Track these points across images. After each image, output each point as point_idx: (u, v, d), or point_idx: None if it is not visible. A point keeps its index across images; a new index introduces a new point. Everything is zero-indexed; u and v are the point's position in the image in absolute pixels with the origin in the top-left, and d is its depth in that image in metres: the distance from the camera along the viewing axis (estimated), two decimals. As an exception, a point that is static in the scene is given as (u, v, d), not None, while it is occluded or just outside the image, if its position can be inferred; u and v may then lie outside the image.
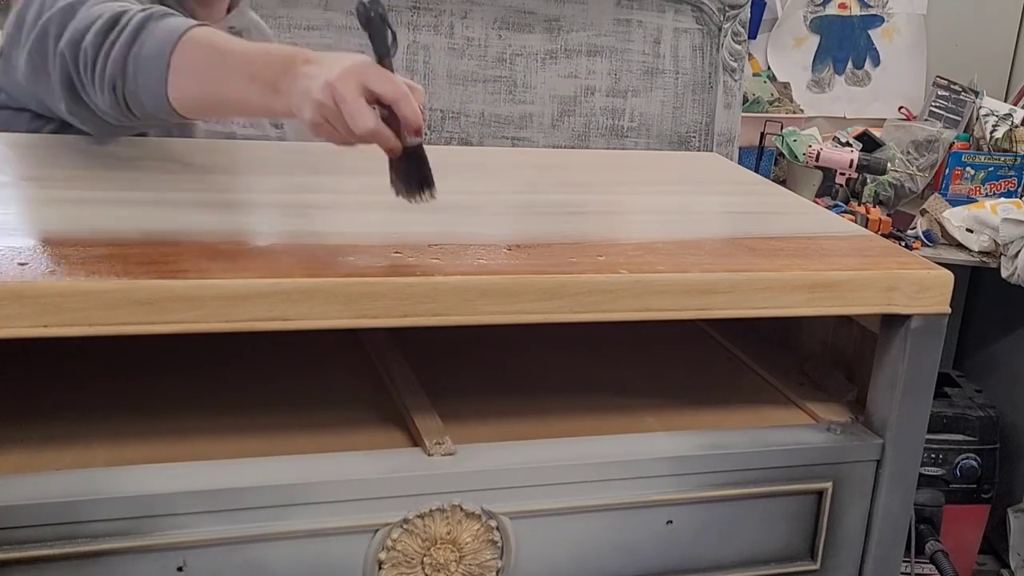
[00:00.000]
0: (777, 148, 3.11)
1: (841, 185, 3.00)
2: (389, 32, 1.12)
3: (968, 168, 3.12)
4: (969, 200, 3.06)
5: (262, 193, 1.36)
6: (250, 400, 1.19)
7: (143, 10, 1.28)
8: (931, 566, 2.69)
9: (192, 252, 1.03)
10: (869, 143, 3.16)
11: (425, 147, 1.15)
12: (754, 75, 3.26)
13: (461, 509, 1.05)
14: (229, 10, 1.68)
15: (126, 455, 1.05)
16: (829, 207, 2.83)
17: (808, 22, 3.34)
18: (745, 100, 3.03)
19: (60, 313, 0.91)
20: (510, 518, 1.07)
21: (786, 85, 3.33)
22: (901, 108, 3.42)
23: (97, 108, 1.33)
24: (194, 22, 1.27)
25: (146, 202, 1.21)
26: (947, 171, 3.13)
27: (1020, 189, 3.12)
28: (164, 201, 1.22)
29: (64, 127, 1.43)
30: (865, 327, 1.28)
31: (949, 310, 1.18)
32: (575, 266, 1.09)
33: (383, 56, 1.12)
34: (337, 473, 1.02)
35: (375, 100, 1.10)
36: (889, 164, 3.01)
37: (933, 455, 2.80)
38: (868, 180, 3.06)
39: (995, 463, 2.87)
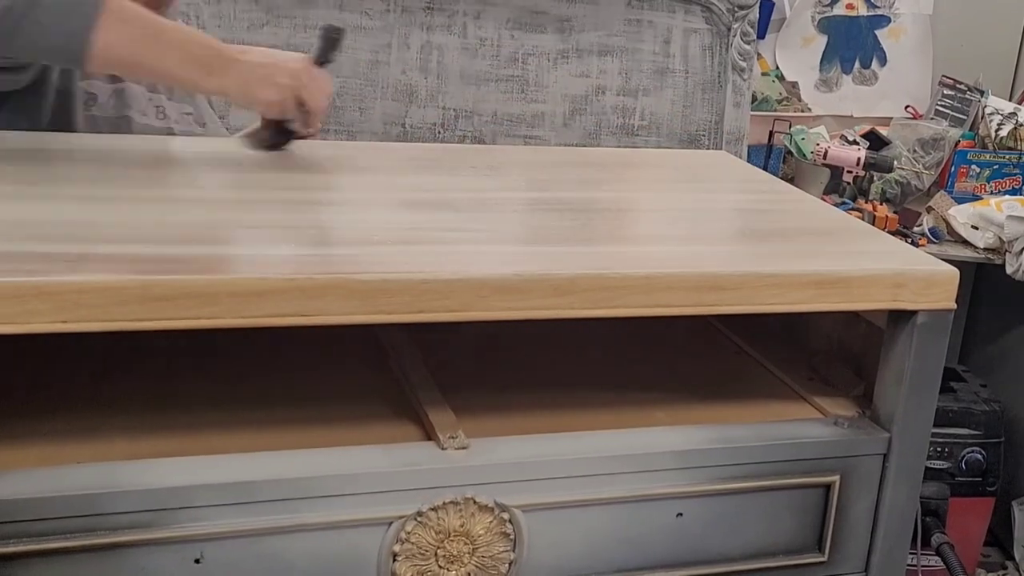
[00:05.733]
0: (785, 146, 3.12)
1: (848, 183, 3.01)
2: (336, 52, 1.46)
3: (973, 166, 3.12)
4: (974, 197, 3.06)
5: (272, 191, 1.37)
6: (266, 395, 1.20)
7: None
8: (937, 558, 2.70)
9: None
10: (876, 141, 3.16)
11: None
12: (763, 74, 3.26)
13: (474, 502, 1.06)
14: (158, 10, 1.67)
15: (145, 449, 1.06)
16: (836, 204, 2.84)
17: (816, 22, 3.34)
18: (754, 99, 3.03)
19: (79, 309, 0.92)
20: (522, 511, 1.08)
21: (794, 84, 3.33)
22: (907, 107, 3.42)
23: None
24: None
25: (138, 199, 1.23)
26: (953, 169, 3.14)
27: (1024, 186, 3.13)
28: (169, 198, 1.24)
29: None
30: (872, 323, 1.28)
31: (955, 306, 1.18)
32: (586, 263, 1.10)
33: (324, 61, 1.44)
34: (352, 467, 1.03)
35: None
36: (896, 162, 3.01)
37: (939, 449, 2.80)
38: (875, 178, 3.07)
39: (1000, 456, 2.88)
